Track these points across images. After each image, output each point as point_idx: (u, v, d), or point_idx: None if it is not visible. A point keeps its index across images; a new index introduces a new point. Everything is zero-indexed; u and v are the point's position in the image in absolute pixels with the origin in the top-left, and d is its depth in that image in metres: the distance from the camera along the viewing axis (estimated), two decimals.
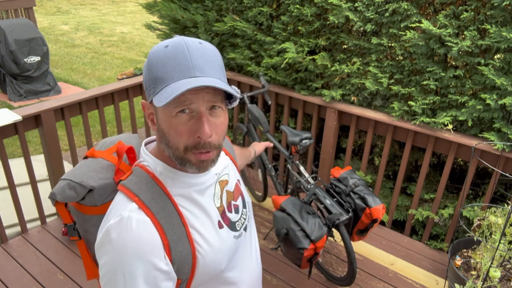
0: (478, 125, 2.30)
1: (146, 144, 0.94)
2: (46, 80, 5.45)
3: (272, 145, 1.75)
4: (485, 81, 2.14)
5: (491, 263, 1.76)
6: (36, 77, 5.33)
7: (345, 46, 2.64)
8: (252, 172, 3.32)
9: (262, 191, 2.85)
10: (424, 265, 2.45)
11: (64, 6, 12.33)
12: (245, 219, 0.99)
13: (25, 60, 5.18)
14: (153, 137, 0.94)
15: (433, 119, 2.32)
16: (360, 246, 2.59)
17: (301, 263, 1.87)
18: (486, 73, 2.10)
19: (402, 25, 2.27)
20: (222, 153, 1.01)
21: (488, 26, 2.04)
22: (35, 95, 5.34)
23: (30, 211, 2.72)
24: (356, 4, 2.37)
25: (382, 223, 2.82)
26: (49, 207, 2.80)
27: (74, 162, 2.71)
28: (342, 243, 2.61)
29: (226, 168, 0.98)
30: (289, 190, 2.51)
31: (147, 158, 0.88)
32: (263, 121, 2.41)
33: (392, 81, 2.45)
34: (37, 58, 5.28)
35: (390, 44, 2.40)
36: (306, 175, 2.25)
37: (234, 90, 0.79)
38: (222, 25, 2.94)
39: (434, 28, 2.15)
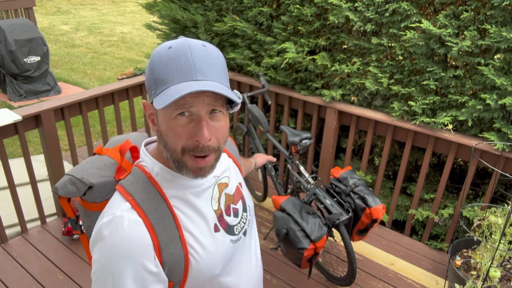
0: (478, 125, 2.30)
1: (146, 145, 0.94)
2: (46, 80, 5.45)
3: (274, 159, 1.75)
4: (485, 81, 2.14)
5: (491, 263, 1.76)
6: (36, 77, 5.32)
7: (345, 46, 2.64)
8: (252, 172, 3.32)
9: (262, 191, 2.85)
10: (424, 265, 2.45)
11: (64, 6, 12.33)
12: (245, 223, 0.97)
13: (25, 60, 5.18)
14: (154, 137, 0.94)
15: (433, 119, 2.32)
16: (360, 246, 2.59)
17: (301, 263, 1.87)
18: (486, 73, 2.10)
19: (402, 25, 2.27)
20: (224, 156, 1.00)
21: (488, 26, 2.04)
22: (35, 95, 5.34)
23: (30, 211, 2.72)
24: (356, 4, 2.37)
25: (382, 223, 2.82)
26: (49, 207, 2.80)
27: (74, 162, 2.71)
28: (342, 243, 2.61)
29: (226, 170, 0.96)
30: (289, 190, 2.51)
31: (145, 158, 0.88)
32: (263, 121, 2.41)
33: (392, 81, 2.45)
34: (37, 58, 5.28)
35: (390, 44, 2.39)
36: (306, 175, 2.25)
37: (235, 95, 0.77)
38: (222, 25, 2.94)
39: (434, 28, 2.15)
